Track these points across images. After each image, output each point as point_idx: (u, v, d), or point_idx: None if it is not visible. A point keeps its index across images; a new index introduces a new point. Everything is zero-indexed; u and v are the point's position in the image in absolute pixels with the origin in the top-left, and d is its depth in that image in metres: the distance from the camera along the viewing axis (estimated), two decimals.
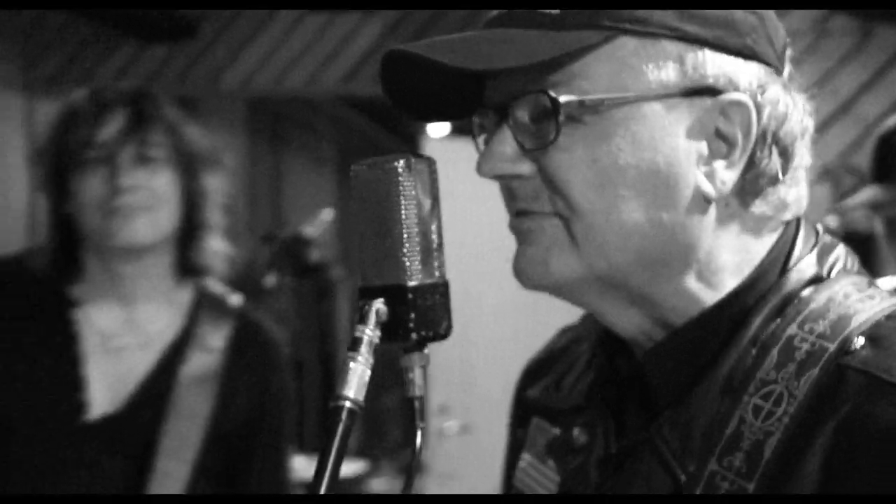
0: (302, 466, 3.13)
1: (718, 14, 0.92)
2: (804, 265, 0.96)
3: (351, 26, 4.60)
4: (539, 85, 0.91)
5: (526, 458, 1.09)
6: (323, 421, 5.25)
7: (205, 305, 2.04)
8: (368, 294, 0.91)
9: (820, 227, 1.02)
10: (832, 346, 0.89)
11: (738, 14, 0.93)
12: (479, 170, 0.95)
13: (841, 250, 0.99)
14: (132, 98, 1.96)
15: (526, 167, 0.94)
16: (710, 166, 0.93)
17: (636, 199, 0.91)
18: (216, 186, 2.03)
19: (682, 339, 0.95)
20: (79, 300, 1.97)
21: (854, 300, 0.93)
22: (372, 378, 0.88)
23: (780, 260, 0.96)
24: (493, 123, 0.96)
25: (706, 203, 0.93)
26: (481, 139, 0.99)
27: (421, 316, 0.90)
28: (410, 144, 5.31)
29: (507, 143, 0.94)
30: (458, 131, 4.37)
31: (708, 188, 0.93)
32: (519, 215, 0.96)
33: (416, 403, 0.92)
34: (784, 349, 0.90)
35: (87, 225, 1.93)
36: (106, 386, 1.93)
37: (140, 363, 1.96)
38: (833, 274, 0.96)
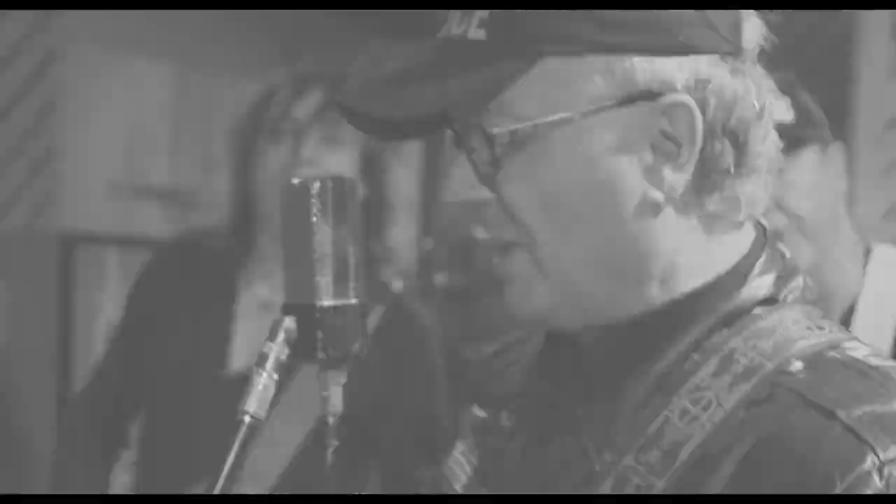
0: None
1: (642, 17, 0.89)
2: (761, 283, 0.95)
3: None
4: (476, 116, 0.92)
5: (459, 447, 1.09)
6: None
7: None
8: (288, 311, 0.94)
9: (786, 252, 0.99)
10: (770, 365, 0.90)
11: (669, 12, 0.90)
12: (445, 197, 0.97)
13: (800, 280, 0.97)
14: (332, 80, 2.05)
15: (486, 193, 0.94)
16: (659, 173, 0.91)
17: (585, 218, 0.92)
18: (395, 178, 2.09)
19: (625, 333, 0.95)
20: (246, 269, 2.11)
21: (802, 327, 0.93)
22: None
23: (739, 273, 0.95)
24: (456, 146, 0.98)
25: (657, 208, 0.92)
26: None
27: (329, 336, 0.92)
28: None
29: (466, 169, 0.95)
30: None
31: (656, 195, 0.91)
32: (492, 256, 0.98)
33: (330, 421, 0.93)
34: (724, 360, 0.91)
35: (264, 201, 2.03)
36: (250, 345, 2.06)
37: None
38: (789, 299, 0.95)
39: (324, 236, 0.92)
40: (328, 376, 0.93)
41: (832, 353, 0.91)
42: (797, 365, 0.89)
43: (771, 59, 0.97)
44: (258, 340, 2.01)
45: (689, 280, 0.94)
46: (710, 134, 0.90)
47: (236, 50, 4.96)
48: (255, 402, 0.90)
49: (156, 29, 4.45)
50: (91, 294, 3.54)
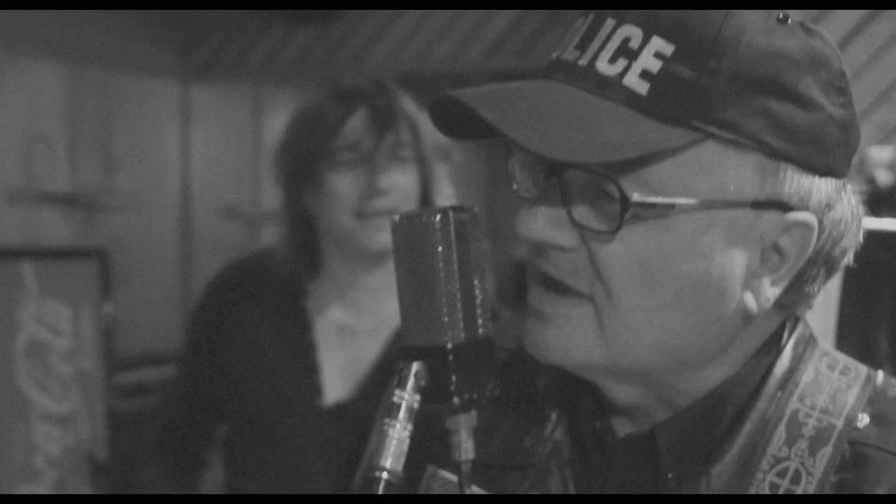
0: None
1: (809, 129, 0.86)
2: (794, 340, 0.95)
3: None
4: (605, 169, 0.84)
5: None
6: None
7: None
8: (409, 354, 0.86)
9: None
10: (839, 423, 0.91)
11: (828, 128, 0.87)
12: (519, 229, 0.88)
13: (802, 324, 0.97)
14: (370, 92, 1.96)
15: (571, 240, 0.87)
16: (759, 280, 0.89)
17: (680, 305, 0.87)
18: (446, 183, 2.03)
19: (693, 414, 0.92)
20: (312, 292, 2.03)
21: (836, 374, 0.95)
22: None
23: (777, 338, 0.95)
24: (540, 176, 0.90)
25: (750, 317, 0.90)
26: (515, 162, 0.92)
27: (463, 378, 0.85)
28: None
29: (556, 208, 0.87)
30: None
31: (752, 304, 0.89)
32: (547, 288, 0.90)
33: (463, 468, 0.87)
34: (790, 424, 0.91)
35: (336, 226, 1.96)
36: (339, 372, 2.00)
37: (370, 349, 2.00)
38: (803, 348, 0.96)
39: (450, 273, 0.85)
40: (459, 420, 0.87)
41: (885, 398, 0.93)
42: (864, 419, 0.91)
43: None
44: (347, 365, 1.97)
45: (740, 355, 0.93)
46: (814, 259, 0.90)
47: (129, 45, 4.80)
48: (390, 458, 0.83)
49: (48, 29, 4.28)
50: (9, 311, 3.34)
